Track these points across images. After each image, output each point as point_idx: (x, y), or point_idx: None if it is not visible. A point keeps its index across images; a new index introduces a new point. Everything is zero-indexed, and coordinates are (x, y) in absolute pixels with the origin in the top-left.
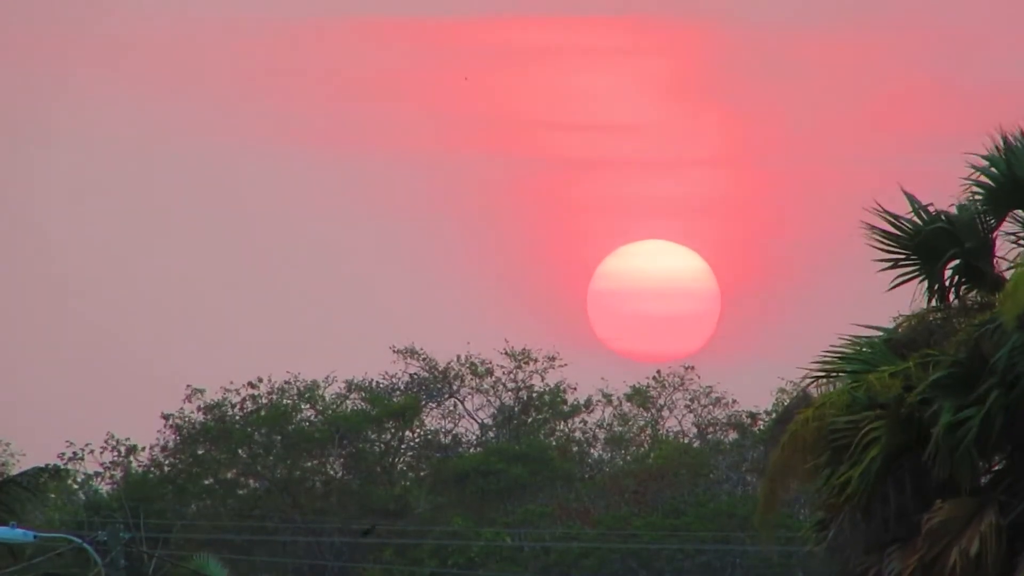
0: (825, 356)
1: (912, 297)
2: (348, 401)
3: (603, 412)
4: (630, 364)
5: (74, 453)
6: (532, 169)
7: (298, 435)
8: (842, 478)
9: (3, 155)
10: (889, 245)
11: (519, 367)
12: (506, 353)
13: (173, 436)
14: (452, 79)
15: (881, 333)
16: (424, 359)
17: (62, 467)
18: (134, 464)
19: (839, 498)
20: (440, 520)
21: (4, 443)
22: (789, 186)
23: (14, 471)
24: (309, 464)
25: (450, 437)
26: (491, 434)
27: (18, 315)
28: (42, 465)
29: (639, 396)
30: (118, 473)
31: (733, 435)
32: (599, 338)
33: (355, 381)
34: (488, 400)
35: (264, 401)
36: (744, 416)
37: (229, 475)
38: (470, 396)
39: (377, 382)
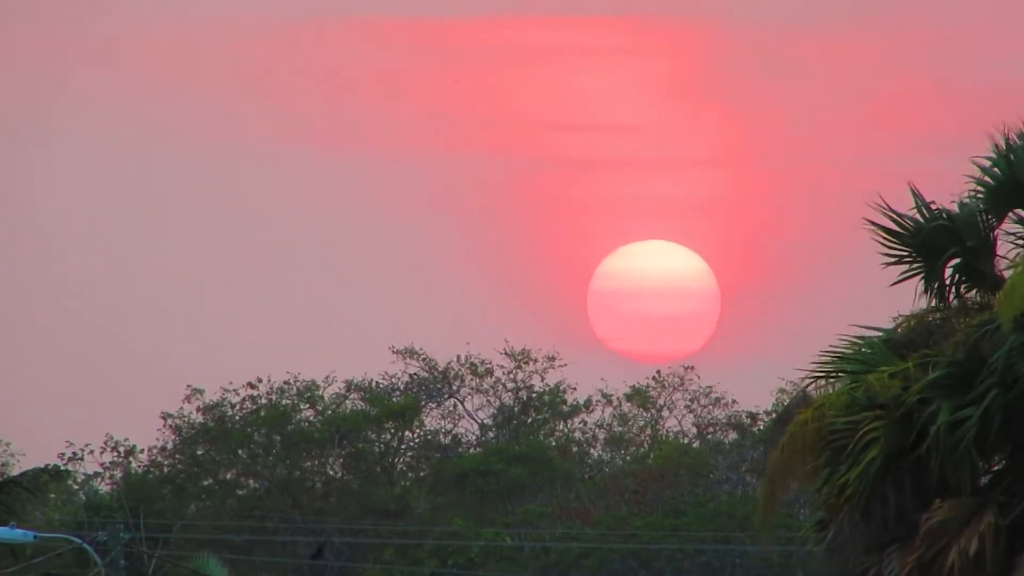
0: (824, 356)
1: (914, 295)
2: (348, 401)
3: (603, 412)
4: (630, 364)
5: (74, 453)
6: (532, 169)
7: (298, 435)
8: (841, 479)
9: (3, 155)
10: (890, 242)
11: (519, 367)
12: (506, 353)
13: (173, 436)
14: (452, 79)
15: (880, 333)
16: (424, 359)
17: (62, 468)
18: (134, 465)
19: (838, 498)
20: (440, 520)
21: (4, 443)
22: (789, 186)
23: (14, 471)
24: (309, 464)
25: (450, 437)
26: (491, 434)
27: (18, 315)
28: (42, 465)
29: (639, 396)
30: (118, 473)
31: (733, 435)
32: (599, 338)
33: (355, 381)
34: (488, 400)
35: (264, 401)
36: (744, 416)
37: (229, 475)
38: (470, 396)
39: (377, 382)
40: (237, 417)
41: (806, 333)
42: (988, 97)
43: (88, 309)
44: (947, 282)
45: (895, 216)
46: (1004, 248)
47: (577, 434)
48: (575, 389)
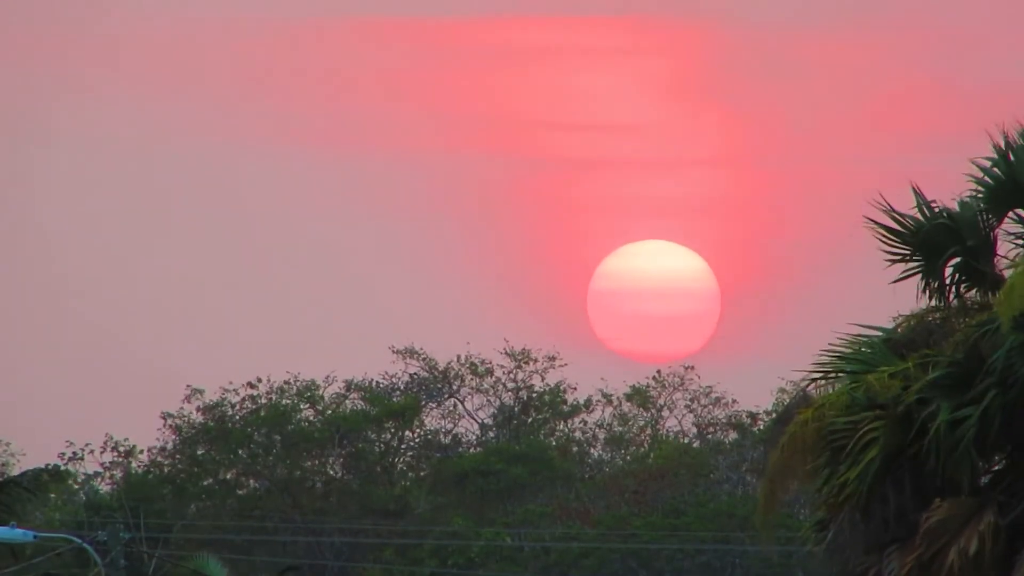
0: (824, 356)
1: (915, 294)
2: (348, 401)
3: (603, 412)
4: (630, 364)
5: (74, 453)
6: (532, 169)
7: (298, 435)
8: (841, 478)
9: (3, 155)
10: (890, 240)
11: (519, 367)
12: (506, 353)
13: (173, 436)
14: (452, 79)
15: (880, 333)
16: (424, 359)
17: (62, 468)
18: (134, 465)
19: (838, 498)
20: (440, 520)
21: (4, 443)
22: (789, 186)
23: (14, 471)
24: (309, 464)
25: (450, 437)
26: (491, 434)
27: (18, 315)
28: (42, 465)
29: (639, 396)
30: (118, 473)
31: (733, 435)
32: (599, 338)
33: (355, 381)
34: (488, 400)
35: (264, 401)
36: (744, 416)
37: (229, 475)
38: (470, 396)
39: (377, 382)
40: (237, 417)
41: (806, 333)
42: (988, 97)
43: (88, 309)
44: (947, 281)
45: (895, 215)
46: (1004, 248)
47: (577, 434)
48: (575, 389)
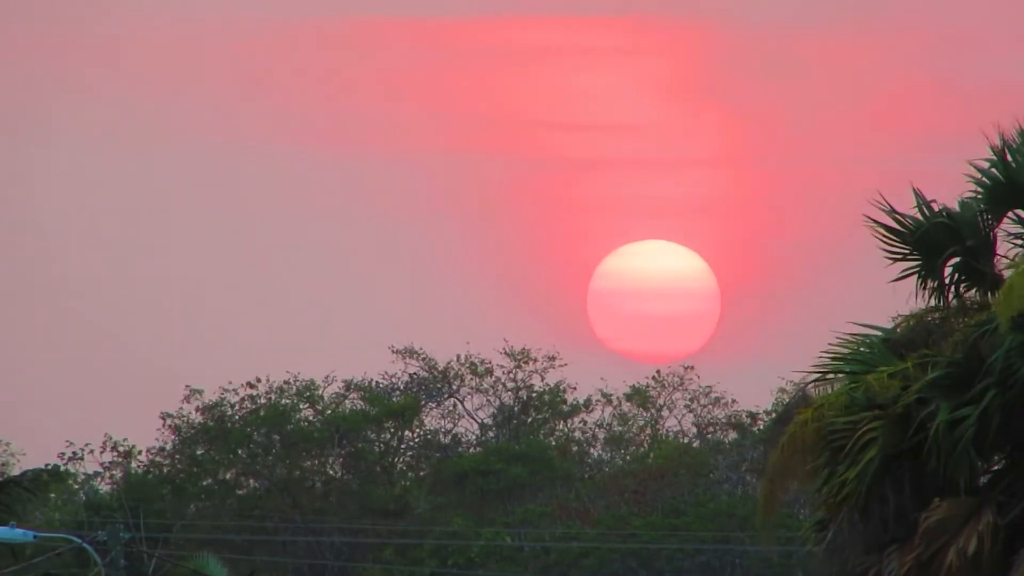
0: (824, 357)
1: (913, 295)
2: (347, 401)
3: (603, 412)
4: (630, 364)
5: (74, 453)
6: (532, 169)
7: (297, 435)
8: (841, 478)
9: (3, 155)
10: (890, 239)
11: (519, 367)
12: (506, 353)
13: (172, 436)
14: (452, 79)
15: (879, 333)
16: (424, 359)
17: (62, 468)
18: (133, 465)
19: (838, 498)
20: (440, 520)
21: (4, 443)
22: (789, 186)
23: (14, 471)
24: (309, 464)
25: (450, 437)
26: (491, 434)
27: (18, 315)
28: (42, 465)
29: (639, 396)
30: (118, 473)
31: (733, 435)
32: (599, 338)
33: (354, 381)
34: (488, 400)
35: (263, 401)
36: (744, 416)
37: (228, 475)
38: (470, 396)
39: (377, 382)
40: (236, 417)
41: (806, 333)
42: (988, 97)
43: (88, 309)
44: (946, 281)
45: (895, 215)
46: (1004, 248)
47: (577, 434)
48: (575, 389)
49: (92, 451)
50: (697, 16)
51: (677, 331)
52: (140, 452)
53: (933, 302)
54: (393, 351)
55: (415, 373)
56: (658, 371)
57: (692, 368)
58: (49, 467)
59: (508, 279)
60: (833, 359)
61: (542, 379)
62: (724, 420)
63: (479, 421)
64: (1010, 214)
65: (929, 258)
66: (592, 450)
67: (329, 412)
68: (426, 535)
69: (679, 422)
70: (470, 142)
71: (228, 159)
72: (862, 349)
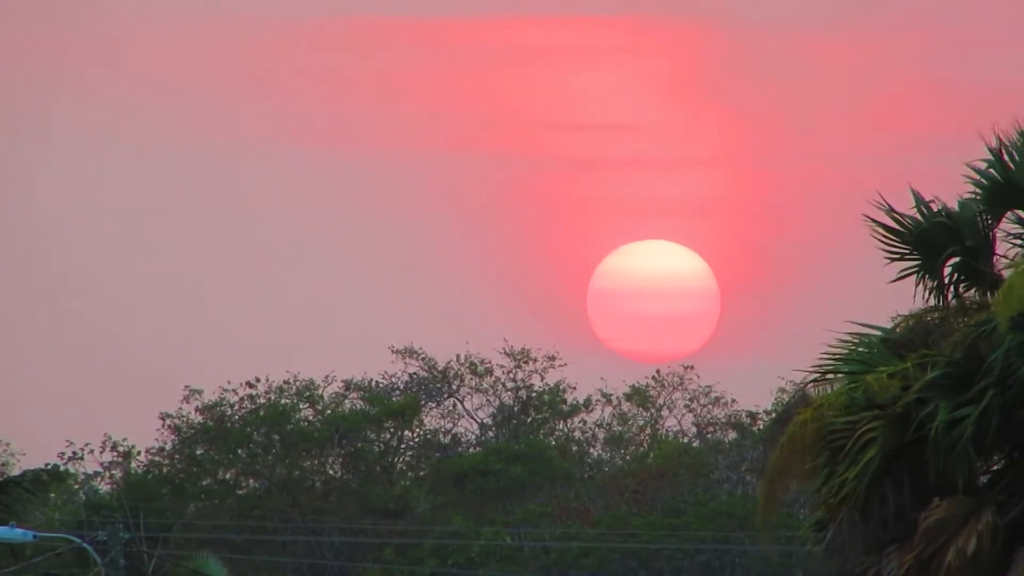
0: (823, 357)
1: (913, 295)
2: (347, 401)
3: (603, 412)
4: (630, 364)
5: (74, 453)
6: (532, 169)
7: (297, 435)
8: (840, 478)
9: (3, 155)
10: (890, 240)
11: (519, 367)
12: (506, 353)
13: (172, 436)
14: (452, 79)
15: (879, 333)
16: (424, 359)
17: (62, 468)
18: (133, 465)
19: (837, 498)
20: (440, 520)
21: (4, 443)
22: (789, 186)
23: (14, 471)
24: (308, 464)
25: (449, 437)
26: (491, 434)
27: (18, 315)
28: (42, 465)
29: (639, 396)
30: (118, 473)
31: (733, 435)
32: (599, 338)
33: (354, 381)
34: (488, 400)
35: (263, 401)
36: (744, 416)
37: (228, 475)
38: (469, 396)
39: (376, 382)
40: (236, 417)
41: (806, 333)
42: (988, 97)
43: (88, 309)
44: (946, 281)
45: (895, 215)
46: (1003, 248)
47: (577, 434)
48: (575, 389)
49: (92, 451)
50: (697, 16)
51: (677, 331)
52: (140, 452)
53: (932, 302)
54: (393, 351)
55: (415, 373)
56: (658, 371)
57: (692, 368)
58: (49, 467)
59: (508, 279)
60: (833, 359)
61: (542, 379)
62: (724, 420)
63: (479, 421)
64: (1009, 214)
65: (928, 258)
66: (592, 450)
67: (329, 412)
68: (426, 535)
69: (679, 422)
70: (470, 142)
71: (228, 159)
72: (861, 349)
